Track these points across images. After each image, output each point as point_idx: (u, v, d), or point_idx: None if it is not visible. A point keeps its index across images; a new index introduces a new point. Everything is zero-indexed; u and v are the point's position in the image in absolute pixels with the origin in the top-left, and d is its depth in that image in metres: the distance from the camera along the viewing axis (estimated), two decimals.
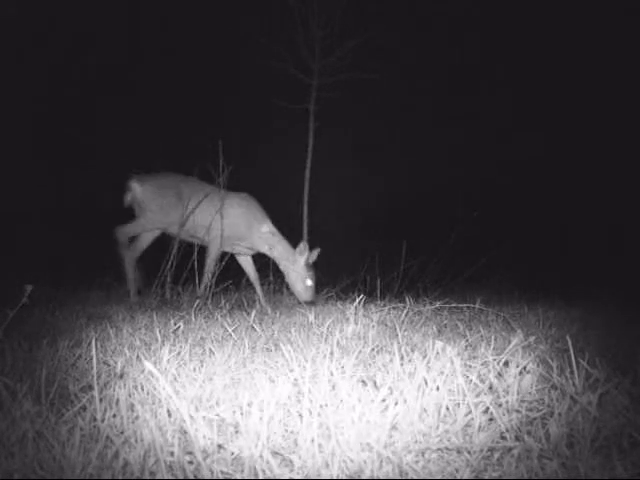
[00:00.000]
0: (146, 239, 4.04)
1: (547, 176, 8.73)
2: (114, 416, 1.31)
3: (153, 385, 1.46)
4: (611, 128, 8.50)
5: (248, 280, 4.45)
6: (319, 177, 6.04)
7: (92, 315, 2.95)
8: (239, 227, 4.15)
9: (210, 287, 3.83)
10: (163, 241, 4.17)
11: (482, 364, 1.64)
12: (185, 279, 4.02)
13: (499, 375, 1.55)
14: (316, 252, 4.23)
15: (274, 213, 4.42)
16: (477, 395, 1.40)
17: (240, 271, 4.46)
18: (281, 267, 4.26)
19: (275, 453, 1.18)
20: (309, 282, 4.14)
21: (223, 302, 3.63)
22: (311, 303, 3.97)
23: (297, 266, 4.14)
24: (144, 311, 3.14)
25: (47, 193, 7.48)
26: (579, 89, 8.30)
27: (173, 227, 4.02)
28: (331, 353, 1.91)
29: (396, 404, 1.31)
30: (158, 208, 3.92)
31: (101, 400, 1.37)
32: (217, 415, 1.34)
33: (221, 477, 1.09)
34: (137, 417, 1.30)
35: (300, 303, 4.06)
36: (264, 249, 4.25)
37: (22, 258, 5.23)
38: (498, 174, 8.56)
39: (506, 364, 1.60)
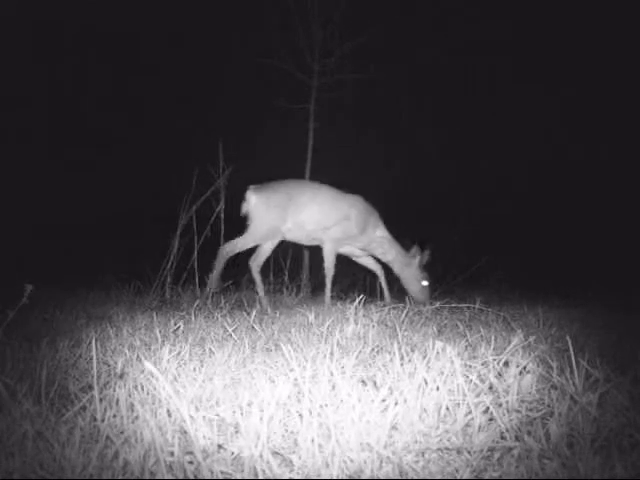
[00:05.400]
0: (265, 250, 4.06)
1: (547, 176, 8.74)
2: (114, 416, 1.31)
3: (153, 385, 1.46)
4: (610, 127, 8.50)
5: (249, 279, 4.43)
6: (319, 177, 6.04)
7: (92, 315, 2.95)
8: (352, 229, 4.12)
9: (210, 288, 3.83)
10: (162, 241, 4.17)
11: (482, 364, 1.64)
12: (185, 279, 4.02)
13: (499, 375, 1.55)
14: (427, 253, 4.26)
15: None
16: (477, 395, 1.40)
17: (240, 271, 4.46)
18: (395, 270, 4.30)
19: (275, 453, 1.18)
20: (425, 283, 4.23)
21: (223, 302, 3.63)
22: (424, 303, 3.88)
23: (411, 269, 4.22)
24: (144, 311, 3.14)
25: (47, 194, 7.48)
26: (578, 89, 8.30)
27: (291, 233, 4.02)
28: (331, 353, 1.91)
29: (396, 404, 1.31)
30: (268, 219, 3.89)
31: (101, 400, 1.37)
32: (217, 415, 1.34)
33: (221, 477, 1.09)
34: (137, 417, 1.30)
35: (415, 303, 3.99)
36: (377, 252, 4.26)
37: (22, 258, 5.23)
38: (498, 175, 8.55)
39: (506, 364, 1.60)
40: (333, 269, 4.11)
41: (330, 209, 4.03)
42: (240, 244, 3.90)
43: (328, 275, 4.07)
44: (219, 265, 3.87)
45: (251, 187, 3.96)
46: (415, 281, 4.23)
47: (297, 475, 1.10)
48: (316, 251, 4.26)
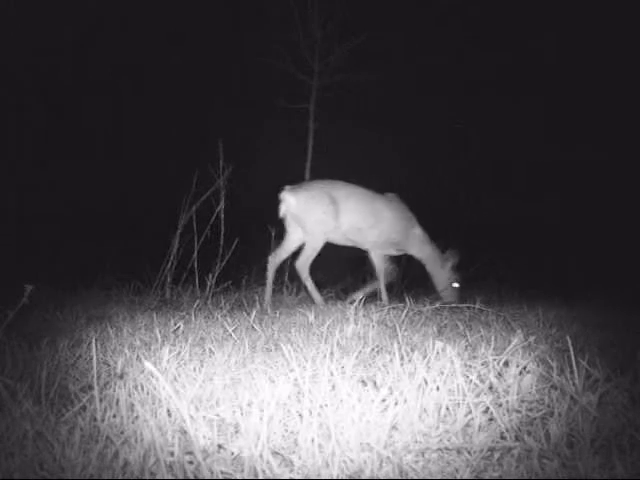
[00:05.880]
0: (289, 247, 4.06)
1: (548, 176, 8.73)
2: (114, 416, 1.31)
3: (153, 385, 1.46)
4: (610, 128, 8.49)
5: (248, 281, 4.43)
6: (319, 178, 6.04)
7: (92, 315, 2.95)
8: (395, 231, 4.13)
9: (210, 287, 3.83)
10: (162, 241, 4.17)
11: (482, 364, 1.64)
12: (185, 279, 4.02)
13: (499, 375, 1.55)
14: (457, 253, 4.29)
15: (275, 214, 4.41)
16: (477, 395, 1.40)
17: (240, 271, 4.45)
18: (427, 268, 4.32)
19: (275, 453, 1.18)
20: (456, 285, 4.25)
21: (223, 302, 3.63)
22: (451, 303, 3.88)
23: (445, 270, 4.24)
24: (144, 311, 3.14)
25: (47, 194, 7.47)
26: (578, 90, 8.30)
27: (332, 234, 4.02)
28: (331, 353, 1.91)
29: (396, 404, 1.31)
30: (315, 219, 3.89)
31: (101, 400, 1.37)
32: (217, 415, 1.34)
33: (221, 477, 1.09)
34: (137, 417, 1.30)
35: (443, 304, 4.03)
36: (413, 251, 4.29)
37: (22, 258, 5.22)
38: (498, 173, 8.55)
39: (506, 364, 1.60)
40: (384, 271, 4.12)
41: (366, 210, 4.03)
42: (308, 251, 3.90)
43: (380, 279, 4.10)
44: (308, 282, 3.91)
45: (287, 187, 3.95)
46: (446, 281, 4.25)
47: (297, 475, 1.10)
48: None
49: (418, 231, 4.25)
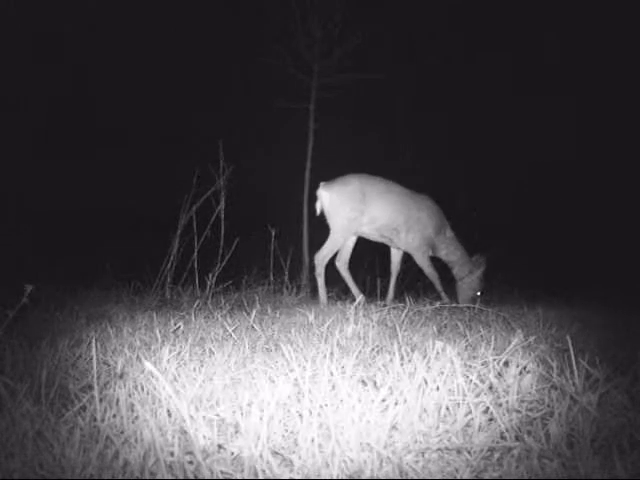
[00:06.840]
0: (347, 246, 4.12)
1: (548, 177, 8.73)
2: (114, 416, 1.31)
3: (153, 385, 1.46)
4: (610, 128, 8.49)
5: (248, 281, 4.43)
6: (319, 178, 6.05)
7: (92, 315, 2.95)
8: (429, 231, 4.13)
9: (210, 287, 3.83)
10: (162, 241, 4.16)
11: (482, 364, 1.64)
12: (185, 279, 4.02)
13: (499, 375, 1.55)
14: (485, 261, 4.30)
15: (275, 214, 4.41)
16: (477, 395, 1.40)
17: (240, 271, 4.45)
18: (454, 271, 4.31)
19: (275, 453, 1.17)
20: (479, 293, 4.23)
21: (223, 302, 3.63)
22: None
23: (473, 276, 4.22)
24: (144, 311, 3.14)
25: (47, 194, 7.47)
26: (577, 91, 8.30)
27: (363, 228, 4.04)
28: (331, 353, 1.91)
29: (396, 404, 1.31)
30: (343, 216, 3.90)
31: (101, 400, 1.37)
32: (217, 415, 1.34)
33: (221, 477, 1.09)
34: (137, 417, 1.30)
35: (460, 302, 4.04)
36: (441, 253, 4.27)
37: (22, 258, 5.23)
38: (498, 173, 8.55)
39: (506, 364, 1.60)
40: (434, 272, 4.13)
41: (400, 207, 4.02)
42: (329, 247, 3.92)
43: (432, 280, 4.12)
44: (320, 278, 3.93)
45: (322, 184, 3.97)
46: (471, 289, 4.22)
47: (297, 475, 1.10)
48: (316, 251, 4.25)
49: (449, 234, 4.25)
